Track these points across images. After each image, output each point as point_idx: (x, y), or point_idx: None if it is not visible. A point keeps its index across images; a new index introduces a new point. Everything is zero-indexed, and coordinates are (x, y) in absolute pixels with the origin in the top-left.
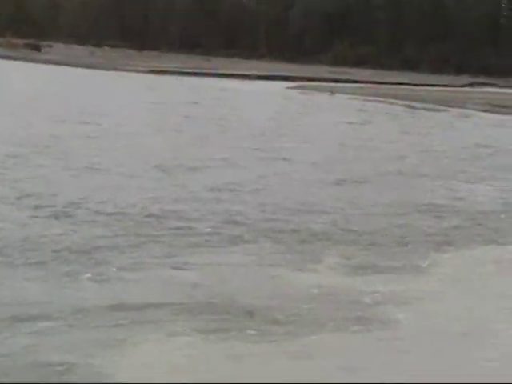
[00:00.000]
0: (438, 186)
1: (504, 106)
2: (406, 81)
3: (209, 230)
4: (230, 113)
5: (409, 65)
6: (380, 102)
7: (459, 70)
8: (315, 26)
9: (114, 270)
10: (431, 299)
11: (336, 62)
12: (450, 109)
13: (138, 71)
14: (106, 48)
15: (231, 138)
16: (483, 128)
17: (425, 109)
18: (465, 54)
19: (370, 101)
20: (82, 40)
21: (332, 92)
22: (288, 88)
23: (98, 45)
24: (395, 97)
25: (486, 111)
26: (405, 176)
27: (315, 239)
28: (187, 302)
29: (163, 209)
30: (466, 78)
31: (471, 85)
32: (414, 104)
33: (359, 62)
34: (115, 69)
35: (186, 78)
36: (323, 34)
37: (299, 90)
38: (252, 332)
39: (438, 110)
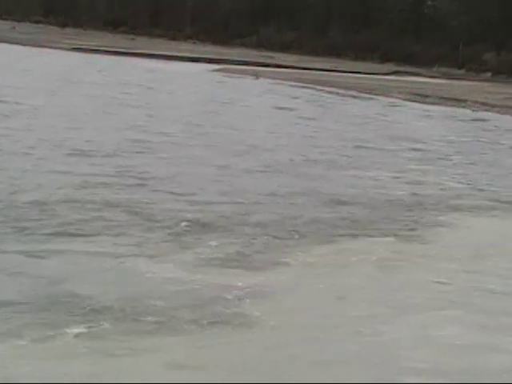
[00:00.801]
0: (351, 177)
1: (427, 96)
2: (331, 67)
3: (81, 216)
4: (156, 96)
5: (334, 51)
6: (305, 87)
7: (384, 58)
8: (242, 9)
9: None
10: (290, 294)
11: (261, 46)
12: (376, 97)
13: (60, 48)
14: (29, 23)
15: (158, 123)
16: (410, 118)
17: (351, 96)
18: (389, 42)
19: (294, 86)
20: (3, 14)
21: (256, 76)
22: (212, 71)
23: (21, 20)
24: (321, 83)
25: (411, 100)
26: (323, 166)
27: (197, 230)
28: (25, 298)
29: (48, 195)
30: (390, 66)
31: (395, 73)
32: (339, 91)
33: (285, 47)
34: (37, 45)
35: (109, 57)
36: (249, 18)
37: (223, 73)
38: (90, 333)
39: (364, 99)
